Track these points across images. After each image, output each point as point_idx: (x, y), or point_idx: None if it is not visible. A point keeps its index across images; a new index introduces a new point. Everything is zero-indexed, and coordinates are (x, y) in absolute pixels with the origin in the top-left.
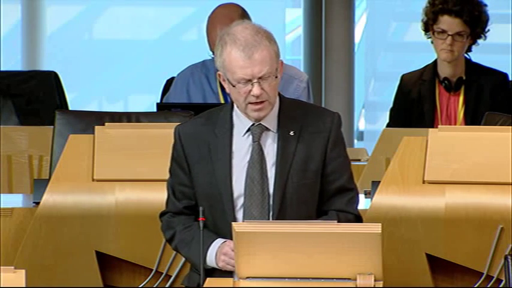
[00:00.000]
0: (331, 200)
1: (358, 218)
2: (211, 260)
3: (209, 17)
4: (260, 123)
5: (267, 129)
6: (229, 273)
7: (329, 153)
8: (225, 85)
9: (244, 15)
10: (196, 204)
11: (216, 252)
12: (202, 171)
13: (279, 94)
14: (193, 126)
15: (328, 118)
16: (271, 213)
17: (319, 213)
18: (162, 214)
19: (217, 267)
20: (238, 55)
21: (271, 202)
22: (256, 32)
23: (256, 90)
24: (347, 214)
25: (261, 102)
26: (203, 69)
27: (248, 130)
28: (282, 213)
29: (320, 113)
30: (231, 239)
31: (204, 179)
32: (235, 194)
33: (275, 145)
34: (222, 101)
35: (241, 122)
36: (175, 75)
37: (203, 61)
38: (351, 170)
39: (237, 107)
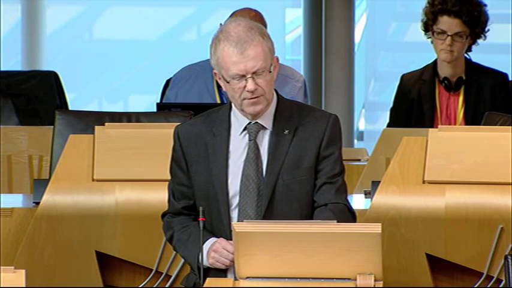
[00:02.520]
0: (320, 191)
1: (348, 208)
2: (204, 258)
3: (230, 17)
4: (257, 122)
5: (264, 127)
6: (223, 273)
7: (322, 152)
8: (221, 83)
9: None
10: (195, 203)
11: (208, 250)
12: (199, 170)
13: (278, 94)
14: (192, 126)
15: (324, 119)
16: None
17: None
18: (163, 215)
19: (208, 265)
20: (231, 51)
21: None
22: (249, 28)
23: (250, 85)
24: (337, 204)
25: (257, 97)
26: (199, 70)
27: (245, 129)
28: (270, 209)
29: (317, 114)
30: (226, 238)
31: (201, 178)
32: (230, 193)
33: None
34: (219, 102)
35: (238, 121)
36: None
37: (198, 62)
38: (342, 166)
39: (234, 105)
